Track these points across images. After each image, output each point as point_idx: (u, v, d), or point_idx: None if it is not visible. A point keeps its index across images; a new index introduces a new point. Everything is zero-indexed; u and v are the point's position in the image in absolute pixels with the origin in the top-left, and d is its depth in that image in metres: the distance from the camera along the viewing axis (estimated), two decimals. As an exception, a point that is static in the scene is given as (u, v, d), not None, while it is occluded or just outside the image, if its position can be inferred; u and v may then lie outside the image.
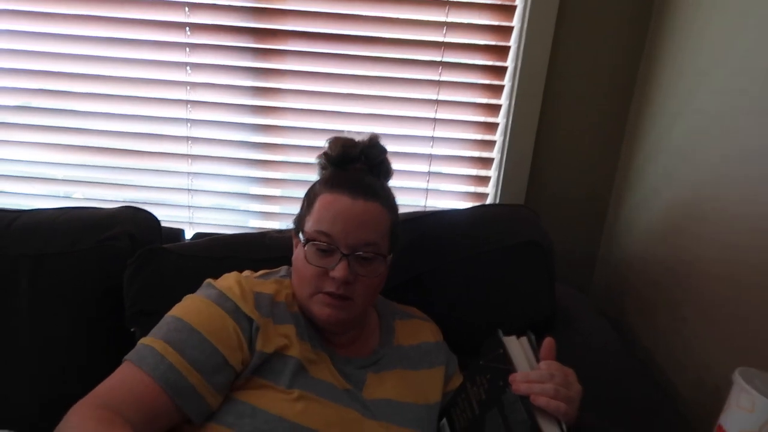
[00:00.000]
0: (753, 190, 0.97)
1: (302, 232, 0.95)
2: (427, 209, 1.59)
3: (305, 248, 0.92)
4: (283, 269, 1.05)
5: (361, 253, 0.91)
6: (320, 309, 0.92)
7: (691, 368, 1.08)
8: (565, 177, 1.54)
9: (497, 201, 1.56)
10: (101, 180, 1.61)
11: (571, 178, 1.54)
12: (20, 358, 1.16)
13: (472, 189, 1.60)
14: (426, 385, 1.02)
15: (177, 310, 0.90)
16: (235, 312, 0.89)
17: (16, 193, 1.63)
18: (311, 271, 0.92)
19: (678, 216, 1.21)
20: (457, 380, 1.06)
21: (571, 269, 1.58)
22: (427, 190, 1.60)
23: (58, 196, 1.67)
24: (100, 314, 1.18)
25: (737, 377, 0.75)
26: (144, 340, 0.86)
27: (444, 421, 1.00)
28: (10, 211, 1.28)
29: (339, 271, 0.90)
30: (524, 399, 0.79)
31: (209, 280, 0.96)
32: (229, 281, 0.94)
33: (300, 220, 0.98)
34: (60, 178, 1.63)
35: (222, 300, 0.90)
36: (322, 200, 0.93)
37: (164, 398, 0.81)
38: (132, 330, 1.12)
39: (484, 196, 1.60)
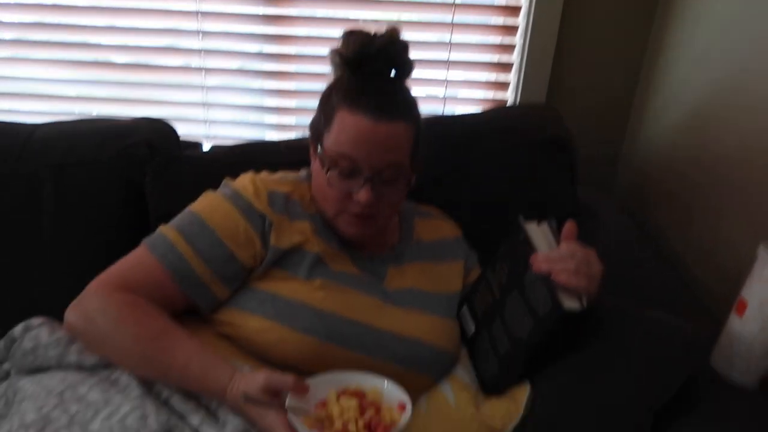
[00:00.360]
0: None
1: (321, 147, 0.93)
2: (447, 115, 1.57)
3: (327, 173, 0.90)
4: (303, 172, 1.06)
5: (386, 169, 0.90)
6: (346, 227, 0.94)
7: (715, 255, 1.09)
8: (588, 79, 1.49)
9: (517, 106, 1.53)
10: (115, 96, 1.60)
11: (594, 80, 1.49)
12: (50, 267, 1.20)
13: (491, 95, 1.57)
14: (446, 276, 1.05)
15: (195, 205, 0.95)
16: (247, 209, 0.91)
17: (30, 112, 1.63)
18: (334, 193, 0.92)
19: (702, 107, 1.19)
20: (476, 274, 1.08)
21: (595, 171, 1.56)
22: (444, 98, 1.58)
23: (73, 113, 1.66)
24: (125, 221, 1.20)
25: (762, 250, 0.76)
26: (162, 228, 0.92)
27: (464, 308, 1.02)
28: (27, 125, 1.28)
29: (363, 195, 0.89)
30: (545, 278, 0.80)
31: (227, 179, 0.98)
32: (244, 181, 0.96)
33: (317, 130, 0.95)
34: (73, 95, 1.62)
35: (235, 198, 0.93)
36: (342, 118, 0.89)
37: (172, 285, 0.87)
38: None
39: (504, 102, 1.58)
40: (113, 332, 0.83)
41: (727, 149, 1.09)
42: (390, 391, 0.82)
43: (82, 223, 1.18)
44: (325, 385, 0.80)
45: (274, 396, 0.76)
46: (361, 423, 0.75)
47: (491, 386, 0.94)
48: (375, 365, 0.90)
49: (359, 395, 0.80)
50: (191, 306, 0.89)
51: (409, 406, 0.79)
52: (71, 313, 0.85)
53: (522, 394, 0.89)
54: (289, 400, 0.75)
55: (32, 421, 0.76)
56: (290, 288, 0.89)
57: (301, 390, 0.77)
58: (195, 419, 0.78)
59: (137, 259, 0.89)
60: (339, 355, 0.88)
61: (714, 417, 0.76)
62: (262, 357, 0.87)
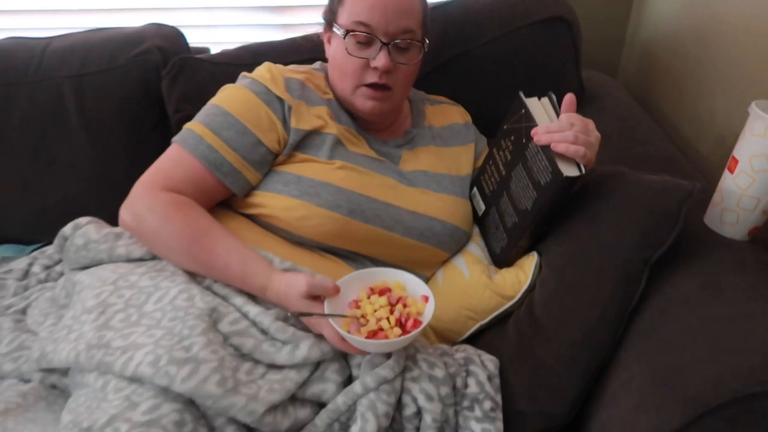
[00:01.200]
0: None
1: (336, 25, 0.96)
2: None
3: (344, 40, 0.94)
4: (317, 64, 1.10)
5: (399, 41, 0.94)
6: (363, 102, 0.98)
7: (713, 126, 1.12)
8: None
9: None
10: (116, 7, 1.59)
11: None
12: (79, 170, 1.27)
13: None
14: (458, 159, 1.11)
15: (215, 98, 0.99)
16: (266, 95, 0.97)
17: (35, 28, 1.63)
18: (352, 63, 0.96)
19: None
20: (486, 157, 1.13)
21: (601, 53, 1.57)
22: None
23: (78, 28, 1.66)
24: (148, 124, 1.26)
25: (753, 107, 0.80)
26: (188, 125, 0.97)
27: (475, 189, 1.09)
28: (41, 39, 1.31)
29: (380, 60, 0.94)
30: (545, 148, 0.85)
31: (244, 72, 1.03)
32: (260, 70, 1.01)
33: (331, 12, 0.99)
34: (75, 8, 1.61)
35: (254, 85, 0.98)
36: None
37: (207, 173, 0.93)
38: (179, 135, 1.21)
39: (507, -16, 1.55)
40: (161, 230, 0.88)
41: (724, 18, 1.09)
42: (412, 283, 0.89)
43: (105, 127, 1.24)
44: (353, 284, 0.87)
45: (315, 299, 0.83)
46: (393, 318, 0.82)
47: (501, 258, 1.01)
48: (393, 239, 0.98)
49: (385, 291, 0.87)
50: (228, 194, 0.96)
51: (431, 298, 0.86)
52: (124, 213, 0.92)
53: (529, 262, 0.97)
54: (326, 306, 0.82)
55: (92, 306, 0.85)
56: (312, 169, 0.95)
57: (336, 292, 0.84)
58: (238, 300, 0.87)
59: (172, 157, 0.95)
60: (359, 229, 0.95)
61: (706, 264, 0.83)
62: (289, 235, 0.95)
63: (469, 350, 0.92)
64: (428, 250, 1.02)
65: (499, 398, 0.86)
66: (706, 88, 1.16)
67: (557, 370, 0.84)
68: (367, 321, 0.82)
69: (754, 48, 1.00)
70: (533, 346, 0.88)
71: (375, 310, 0.83)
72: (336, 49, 0.98)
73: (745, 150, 0.81)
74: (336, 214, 0.93)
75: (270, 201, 0.95)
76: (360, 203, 0.95)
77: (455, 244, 1.06)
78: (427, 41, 1.01)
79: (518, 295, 0.96)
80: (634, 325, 0.83)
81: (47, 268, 1.12)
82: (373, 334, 0.81)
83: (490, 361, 0.90)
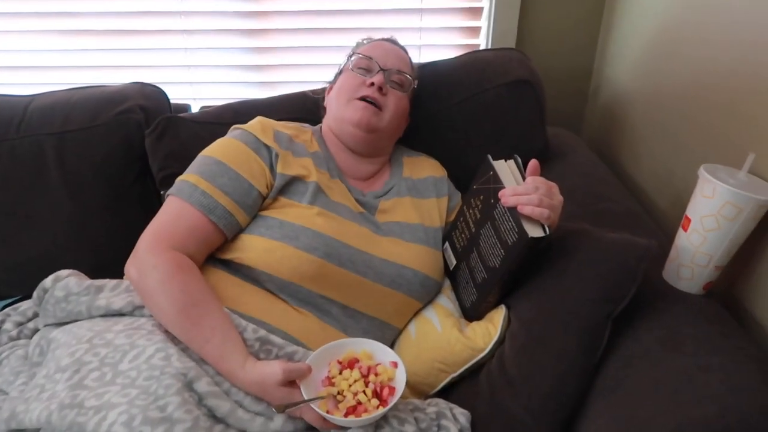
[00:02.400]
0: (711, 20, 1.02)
1: (342, 71, 1.17)
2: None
3: (351, 61, 1.14)
4: (306, 124, 1.19)
5: (395, 71, 1.13)
6: (354, 112, 1.08)
7: (670, 184, 1.18)
8: (555, 21, 1.56)
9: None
10: (99, 64, 1.64)
11: (561, 21, 1.56)
12: (59, 228, 1.28)
13: (463, 42, 1.63)
14: (432, 210, 1.16)
15: (207, 151, 1.05)
16: (255, 143, 1.04)
17: (18, 84, 1.67)
18: (352, 80, 1.11)
19: (659, 42, 1.26)
20: (460, 212, 1.18)
21: (565, 111, 1.65)
22: (420, 46, 1.63)
23: (60, 83, 1.70)
24: (129, 182, 1.28)
25: (701, 171, 0.85)
26: (181, 177, 1.01)
27: (446, 244, 1.13)
28: (23, 97, 1.34)
29: (377, 77, 1.10)
30: (512, 210, 0.89)
31: (235, 125, 1.10)
32: (252, 122, 1.09)
33: (340, 68, 1.20)
34: (57, 65, 1.65)
35: (243, 136, 1.05)
36: (361, 47, 1.18)
37: (203, 219, 0.96)
38: (162, 192, 1.23)
39: (476, 47, 1.63)
40: (158, 289, 0.89)
41: (679, 81, 1.16)
42: (379, 350, 0.91)
43: (86, 183, 1.26)
44: (320, 360, 0.88)
45: (291, 384, 0.84)
46: (369, 391, 0.84)
47: (472, 312, 1.04)
48: (365, 284, 1.01)
49: (354, 363, 0.88)
50: (222, 239, 0.99)
51: (400, 363, 0.88)
52: (130, 267, 0.93)
53: (498, 315, 0.99)
54: (303, 387, 0.83)
55: (67, 365, 0.84)
56: (294, 214, 1.00)
57: (309, 372, 0.85)
58: (212, 369, 0.87)
59: (172, 210, 0.98)
60: (334, 272, 0.98)
61: (665, 318, 0.87)
62: (268, 278, 0.97)
63: (441, 404, 0.94)
64: (400, 297, 1.05)
65: (471, 452, 0.87)
66: (662, 148, 1.23)
67: (528, 423, 0.86)
68: (344, 397, 0.84)
69: (703, 114, 1.07)
70: (504, 399, 0.90)
71: (350, 385, 0.85)
72: (340, 80, 1.15)
73: (696, 210, 0.86)
74: (312, 256, 0.96)
75: (253, 243, 0.98)
76: (336, 248, 0.99)
77: (426, 293, 1.09)
78: (416, 83, 1.20)
79: (488, 347, 0.98)
80: (600, 377, 0.86)
81: (19, 324, 1.11)
82: (352, 409, 0.82)
83: (462, 415, 0.92)
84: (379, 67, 1.12)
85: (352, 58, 1.16)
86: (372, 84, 1.09)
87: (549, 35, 1.58)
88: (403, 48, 1.22)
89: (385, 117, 1.11)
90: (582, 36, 1.59)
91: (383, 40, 1.22)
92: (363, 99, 1.09)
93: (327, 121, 1.18)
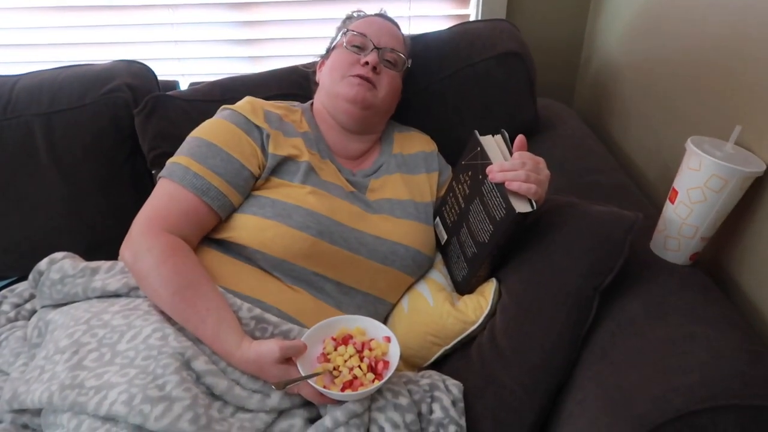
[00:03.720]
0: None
1: (335, 46, 1.15)
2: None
3: (345, 37, 1.12)
4: (295, 102, 1.18)
5: (389, 50, 1.12)
6: (349, 88, 1.08)
7: (658, 155, 1.19)
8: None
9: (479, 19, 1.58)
10: (85, 41, 1.62)
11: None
12: (52, 209, 1.28)
13: (453, 12, 1.61)
14: (422, 186, 1.16)
15: (197, 132, 1.04)
16: (246, 124, 1.04)
17: (2, 63, 1.64)
18: (345, 57, 1.10)
19: (649, 12, 1.25)
20: (450, 186, 1.19)
21: (555, 84, 1.65)
22: (409, 17, 1.61)
23: (45, 61, 1.68)
24: (120, 161, 1.28)
25: (688, 143, 0.86)
26: (171, 159, 1.01)
27: (437, 219, 1.14)
28: (9, 77, 1.32)
29: (371, 56, 1.08)
30: (500, 186, 0.90)
31: (224, 105, 1.08)
32: (241, 102, 1.08)
33: (331, 45, 1.19)
34: (42, 43, 1.63)
35: (234, 116, 1.05)
36: (353, 22, 1.15)
37: (197, 200, 0.96)
38: (153, 172, 1.23)
39: (466, 17, 1.62)
40: (152, 272, 0.90)
41: (668, 53, 1.16)
42: (372, 327, 0.93)
43: (76, 163, 1.26)
44: (314, 338, 0.89)
45: (287, 361, 0.86)
46: (364, 365, 0.86)
47: (463, 286, 1.06)
48: (358, 261, 1.02)
49: (348, 339, 0.90)
50: (217, 220, 0.99)
51: (393, 338, 0.90)
52: (125, 250, 0.94)
53: (489, 288, 1.01)
54: (299, 364, 0.84)
55: (66, 346, 0.86)
56: (286, 193, 1.00)
57: (305, 349, 0.87)
58: (208, 348, 0.88)
59: (164, 193, 0.98)
60: (326, 249, 0.99)
61: (651, 288, 0.89)
62: (261, 256, 0.98)
63: (434, 376, 0.96)
64: (392, 273, 1.06)
65: (463, 422, 0.90)
66: (650, 121, 1.23)
67: (518, 393, 0.89)
68: (340, 372, 0.86)
69: (691, 86, 1.08)
70: (495, 370, 0.92)
71: (345, 360, 0.87)
72: (333, 56, 1.13)
73: (683, 182, 0.88)
74: (305, 234, 0.97)
75: (245, 222, 0.99)
76: (328, 226, 1.00)
77: (418, 268, 1.10)
78: (410, 62, 1.18)
79: (480, 320, 1.00)
80: (587, 347, 0.88)
81: (17, 306, 1.12)
82: (348, 384, 0.84)
83: (455, 386, 0.94)
84: (373, 45, 1.10)
85: (346, 35, 1.13)
86: (366, 63, 1.08)
87: (540, 5, 1.56)
88: (396, 24, 1.20)
89: (380, 94, 1.10)
90: (573, 6, 1.57)
91: (376, 15, 1.20)
92: (357, 77, 1.08)
93: (319, 97, 1.16)
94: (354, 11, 1.23)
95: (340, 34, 1.16)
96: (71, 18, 1.58)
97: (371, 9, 1.24)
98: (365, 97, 1.07)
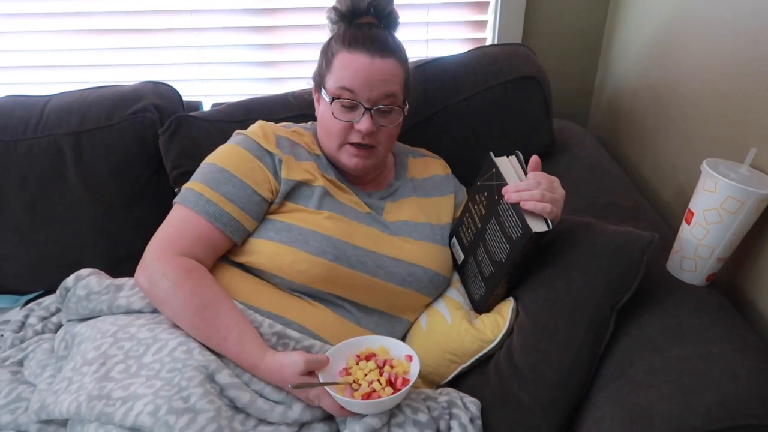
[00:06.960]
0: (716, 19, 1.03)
1: (324, 89, 1.04)
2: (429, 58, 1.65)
3: (331, 105, 1.02)
4: (308, 123, 1.18)
5: (381, 106, 1.01)
6: (348, 159, 1.06)
7: (674, 178, 1.21)
8: (560, 15, 1.57)
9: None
10: (113, 63, 1.67)
11: (566, 15, 1.57)
12: (78, 226, 1.32)
13: (470, 36, 1.65)
14: (438, 208, 1.18)
15: (211, 158, 1.06)
16: (258, 150, 1.04)
17: (34, 83, 1.70)
18: (337, 125, 1.03)
19: (662, 38, 1.27)
20: (465, 207, 1.20)
21: (571, 105, 1.67)
22: (427, 41, 1.65)
23: (74, 82, 1.73)
24: (145, 179, 1.32)
25: (704, 165, 0.88)
26: (187, 185, 1.03)
27: (454, 239, 1.15)
28: (40, 97, 1.37)
29: (363, 123, 1.01)
30: (515, 206, 0.92)
31: (237, 130, 1.09)
32: (253, 127, 1.09)
33: (320, 77, 1.07)
34: (71, 65, 1.68)
35: (246, 142, 1.05)
36: (341, 59, 1.01)
37: (210, 226, 0.98)
38: (176, 190, 1.26)
39: (483, 41, 1.65)
40: (170, 295, 0.92)
41: (683, 76, 1.18)
42: (395, 346, 0.95)
43: (103, 181, 1.30)
44: (339, 354, 0.92)
45: (309, 374, 0.88)
46: (383, 380, 0.88)
47: (481, 305, 1.07)
48: (376, 283, 1.04)
49: (371, 357, 0.93)
50: (230, 244, 1.01)
51: (415, 357, 0.92)
52: (140, 275, 0.96)
53: (507, 307, 1.02)
54: (321, 377, 0.87)
55: (93, 358, 0.88)
56: (302, 218, 1.01)
57: (328, 363, 0.89)
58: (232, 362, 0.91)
59: (178, 218, 1.00)
60: (344, 274, 1.01)
61: (668, 308, 0.90)
62: (280, 281, 1.00)
63: (452, 393, 0.97)
64: (410, 295, 1.08)
65: (481, 439, 0.91)
66: (665, 143, 1.24)
67: (536, 411, 0.90)
68: (360, 386, 0.87)
69: (706, 108, 1.09)
70: (513, 388, 0.93)
71: (365, 374, 0.89)
72: (323, 111, 1.06)
73: (698, 204, 0.89)
74: (322, 260, 0.98)
75: (262, 247, 1.00)
76: (345, 250, 1.01)
77: (435, 289, 1.12)
78: (407, 106, 1.08)
79: (498, 338, 1.01)
80: (605, 366, 0.89)
81: (43, 319, 1.15)
82: (366, 396, 0.85)
83: (472, 404, 0.95)
84: (364, 107, 1.01)
85: (332, 86, 1.01)
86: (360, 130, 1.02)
87: (555, 29, 1.59)
88: (387, 49, 1.01)
89: (380, 152, 1.07)
90: (588, 29, 1.60)
91: (362, 47, 1.00)
92: (354, 145, 1.04)
93: (321, 140, 1.10)
94: (340, 31, 1.05)
95: (327, 76, 1.03)
96: (101, 41, 1.63)
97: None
98: (366, 165, 1.07)
